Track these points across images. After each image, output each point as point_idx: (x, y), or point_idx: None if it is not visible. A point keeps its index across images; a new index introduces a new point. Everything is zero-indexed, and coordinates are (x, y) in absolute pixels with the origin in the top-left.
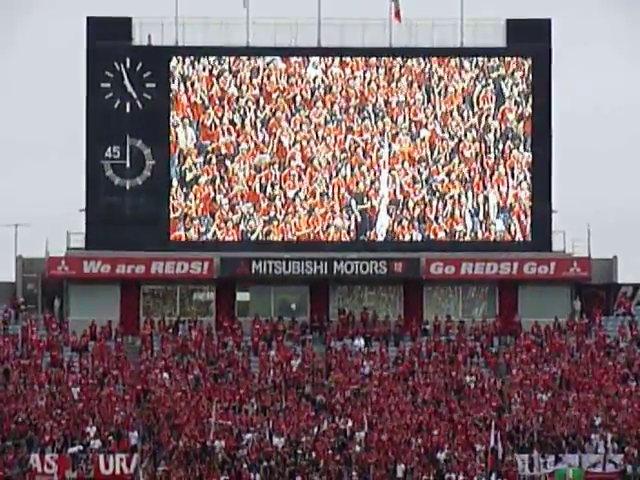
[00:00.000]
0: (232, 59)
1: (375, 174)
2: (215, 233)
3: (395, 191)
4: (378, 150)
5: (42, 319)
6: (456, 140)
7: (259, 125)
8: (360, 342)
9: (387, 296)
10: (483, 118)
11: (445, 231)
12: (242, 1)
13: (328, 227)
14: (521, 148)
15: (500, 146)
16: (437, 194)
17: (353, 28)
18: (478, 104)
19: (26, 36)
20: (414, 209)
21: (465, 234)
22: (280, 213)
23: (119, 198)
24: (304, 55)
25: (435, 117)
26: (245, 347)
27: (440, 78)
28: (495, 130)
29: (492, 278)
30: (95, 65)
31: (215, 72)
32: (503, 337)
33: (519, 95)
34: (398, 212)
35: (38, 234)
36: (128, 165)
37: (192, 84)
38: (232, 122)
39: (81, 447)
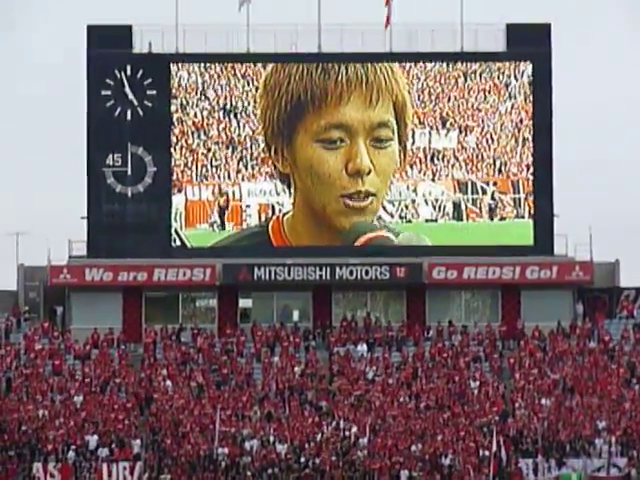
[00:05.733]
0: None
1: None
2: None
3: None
4: None
5: (40, 328)
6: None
7: None
8: (363, 348)
9: (390, 301)
10: (483, 123)
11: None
12: (238, 7)
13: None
14: (523, 152)
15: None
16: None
17: (353, 33)
18: (478, 109)
19: (27, 44)
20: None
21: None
22: None
23: (121, 205)
24: (304, 61)
25: (436, 122)
26: (248, 354)
27: (440, 83)
28: (495, 134)
29: (495, 282)
30: (96, 73)
31: (216, 78)
32: (506, 342)
33: (519, 99)
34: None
35: (39, 242)
36: (129, 172)
37: (193, 90)
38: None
39: (80, 452)
